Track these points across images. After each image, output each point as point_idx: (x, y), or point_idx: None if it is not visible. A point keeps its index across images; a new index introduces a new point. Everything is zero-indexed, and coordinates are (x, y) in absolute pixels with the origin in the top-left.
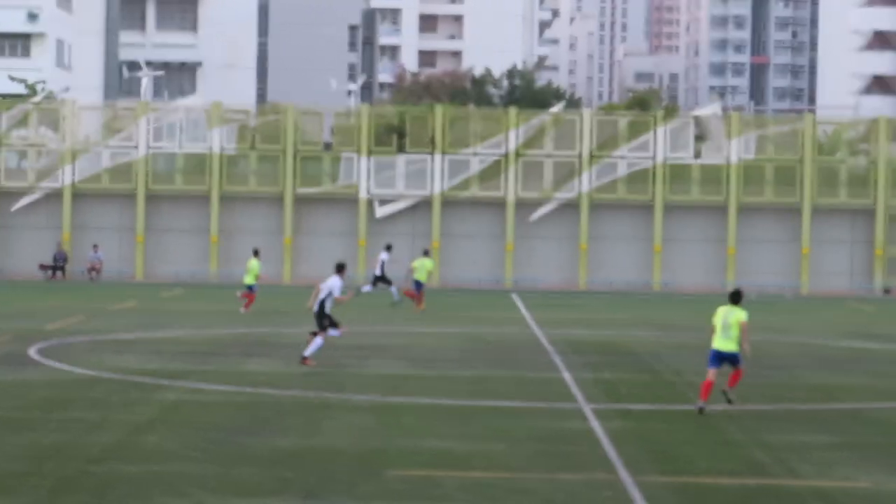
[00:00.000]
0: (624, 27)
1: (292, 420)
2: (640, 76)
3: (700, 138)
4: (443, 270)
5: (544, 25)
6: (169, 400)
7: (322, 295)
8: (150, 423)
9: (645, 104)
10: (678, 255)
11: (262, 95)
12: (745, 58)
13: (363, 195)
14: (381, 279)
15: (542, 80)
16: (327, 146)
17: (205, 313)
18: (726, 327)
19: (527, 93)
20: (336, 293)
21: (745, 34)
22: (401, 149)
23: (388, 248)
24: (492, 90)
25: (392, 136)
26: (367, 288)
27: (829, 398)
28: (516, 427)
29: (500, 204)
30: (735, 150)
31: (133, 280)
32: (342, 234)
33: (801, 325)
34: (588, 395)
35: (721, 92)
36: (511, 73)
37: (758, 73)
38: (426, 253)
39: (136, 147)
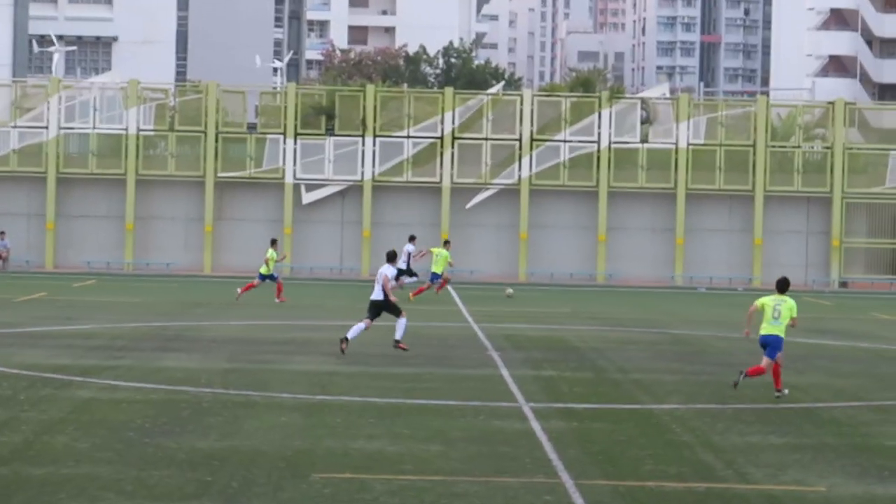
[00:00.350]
0: (567, 3)
1: (212, 420)
2: (583, 55)
3: (647, 121)
4: (374, 261)
5: (483, 1)
6: (80, 398)
7: (382, 285)
8: (61, 423)
9: (589, 85)
10: (623, 245)
11: (181, 73)
12: (694, 36)
13: (289, 180)
14: (406, 272)
15: (480, 58)
16: (251, 127)
17: (119, 305)
18: (777, 314)
19: (464, 72)
20: (390, 275)
21: (695, 11)
22: (329, 131)
23: (412, 238)
24: (427, 69)
25: (320, 118)
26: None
27: (782, 398)
28: (451, 427)
29: (434, 190)
30: (684, 134)
31: (42, 270)
32: (267, 221)
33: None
34: (528, 394)
35: (669, 73)
36: (447, 52)
37: (708, 52)
38: (447, 243)
39: (46, 127)
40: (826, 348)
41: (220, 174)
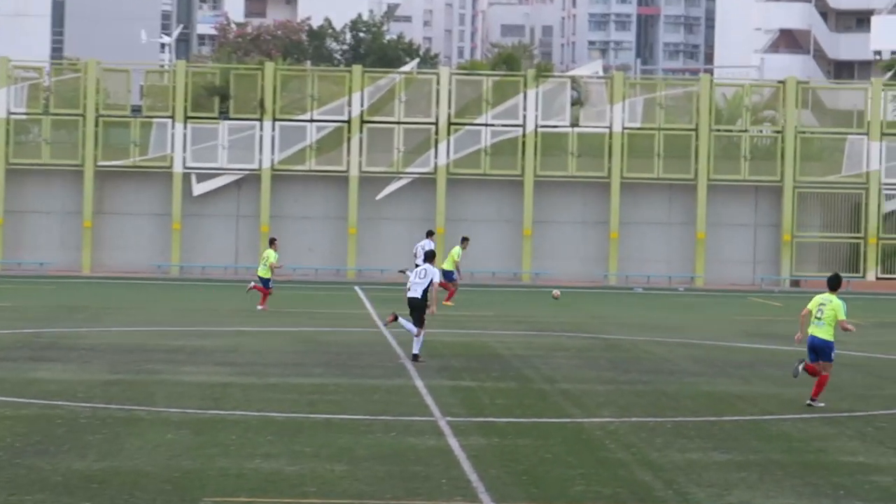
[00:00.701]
0: None
1: (91, 438)
2: (507, 29)
3: (578, 103)
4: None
5: None
6: None
7: (425, 283)
8: None
9: (513, 62)
10: (552, 240)
11: (57, 49)
12: (630, 8)
13: (178, 169)
14: None
15: (391, 33)
16: (136, 110)
17: None
18: (821, 314)
19: (374, 48)
20: (436, 280)
21: None
22: (224, 114)
23: (430, 234)
24: (332, 45)
25: (213, 100)
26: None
27: (725, 409)
28: (358, 445)
29: (341, 180)
30: (619, 117)
31: None
32: (153, 214)
33: (695, 324)
34: (444, 407)
35: (603, 48)
36: (355, 25)
37: (646, 26)
38: (464, 240)
39: None
40: (775, 354)
41: (100, 163)
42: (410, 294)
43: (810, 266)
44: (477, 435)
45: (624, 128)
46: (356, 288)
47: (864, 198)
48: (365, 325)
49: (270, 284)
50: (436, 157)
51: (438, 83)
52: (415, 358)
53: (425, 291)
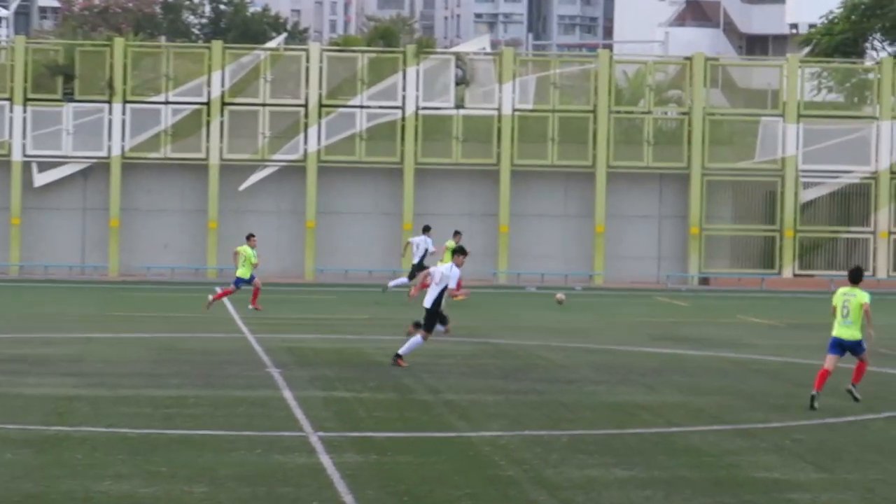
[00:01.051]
0: None
1: None
2: (385, 0)
3: (463, 82)
4: (124, 257)
5: None
6: None
7: (439, 285)
8: None
9: (391, 38)
10: (435, 234)
11: None
12: None
13: (17, 157)
14: (421, 267)
15: (255, 5)
16: None
17: None
18: (846, 312)
19: (236, 22)
20: (451, 284)
21: None
22: (68, 96)
23: (427, 229)
24: (190, 18)
25: (56, 79)
26: (401, 280)
27: (628, 421)
28: (220, 463)
29: (199, 168)
30: (508, 97)
31: None
32: None
33: (594, 327)
34: (316, 421)
35: (490, 22)
36: None
37: None
38: (456, 234)
39: None
40: (683, 359)
41: None
42: (424, 302)
43: (721, 262)
44: (352, 452)
45: (514, 110)
46: (218, 289)
47: (779, 186)
48: (228, 331)
49: (241, 285)
50: (305, 143)
51: (308, 61)
52: (397, 357)
53: (439, 297)
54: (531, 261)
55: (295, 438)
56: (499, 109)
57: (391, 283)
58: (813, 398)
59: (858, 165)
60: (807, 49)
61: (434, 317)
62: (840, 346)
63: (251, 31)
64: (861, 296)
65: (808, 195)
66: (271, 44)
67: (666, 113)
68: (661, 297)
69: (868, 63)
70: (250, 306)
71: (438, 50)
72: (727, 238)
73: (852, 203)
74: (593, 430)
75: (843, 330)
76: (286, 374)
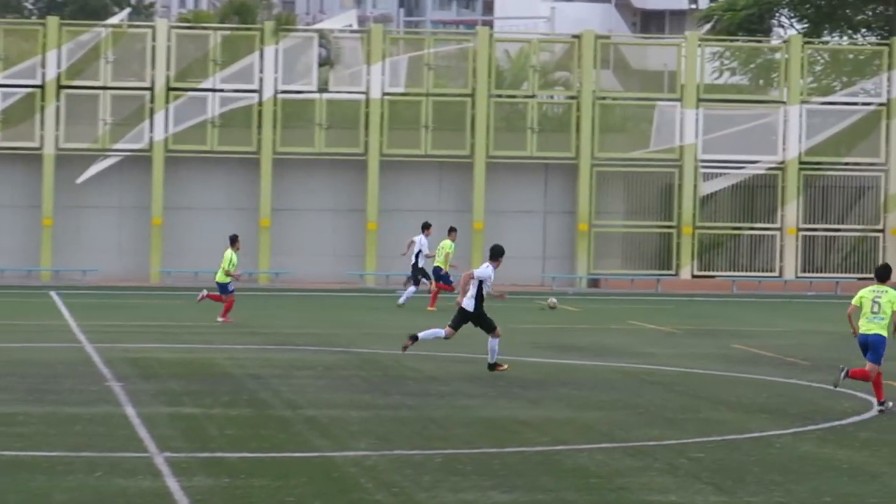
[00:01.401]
0: None
1: None
2: None
3: (327, 63)
4: None
5: None
6: None
7: (473, 289)
8: None
9: (247, 14)
10: (295, 231)
11: None
12: None
13: None
14: (421, 272)
15: None
16: None
17: None
18: (877, 308)
19: None
20: (487, 286)
21: None
22: None
23: (427, 227)
24: None
25: None
26: (410, 291)
27: (508, 438)
28: (55, 488)
29: (33, 158)
30: (377, 80)
31: None
32: None
33: (470, 334)
34: (162, 440)
35: None
36: None
37: None
38: (451, 231)
39: None
40: (569, 370)
41: None
42: (463, 304)
43: (612, 262)
44: (202, 474)
45: (384, 94)
46: (52, 293)
47: (676, 178)
48: (63, 340)
49: (231, 290)
50: (151, 130)
51: (154, 39)
52: (492, 367)
53: (479, 300)
54: (400, 260)
55: (138, 460)
56: (367, 93)
57: (402, 299)
58: (882, 408)
59: (764, 155)
60: (707, 26)
61: (481, 316)
62: (865, 345)
63: (91, 5)
64: (891, 293)
65: (708, 188)
66: (113, 20)
67: (552, 97)
68: (546, 301)
69: (775, 42)
70: (220, 319)
71: (300, 27)
72: (619, 235)
73: (757, 196)
74: (469, 448)
75: (870, 325)
76: (128, 387)
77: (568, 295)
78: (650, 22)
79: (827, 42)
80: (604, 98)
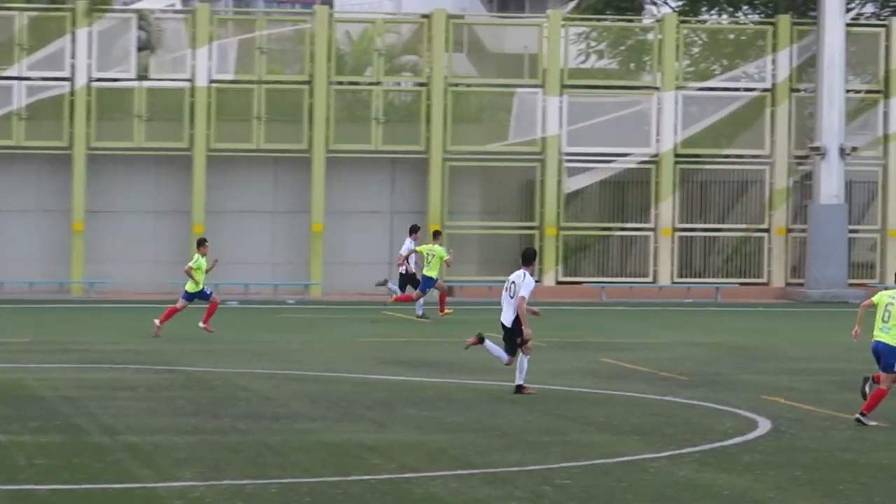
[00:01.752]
0: None
1: None
2: None
3: (147, 47)
4: None
5: None
6: None
7: (514, 297)
8: None
9: None
10: (113, 236)
11: None
12: None
13: None
14: (409, 279)
15: None
16: None
17: None
18: (887, 317)
19: None
20: (523, 292)
21: None
22: None
23: (415, 230)
24: None
25: None
26: (420, 302)
27: (353, 465)
28: None
29: None
30: (204, 65)
31: None
32: None
33: (310, 349)
34: None
35: None
36: None
37: None
38: (436, 234)
39: None
40: (419, 388)
41: None
42: (501, 318)
43: (467, 266)
44: None
45: (211, 81)
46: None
47: (538, 173)
48: None
49: (210, 294)
50: None
51: None
52: (519, 389)
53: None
54: (234, 268)
55: None
56: (192, 81)
57: (419, 311)
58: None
59: (636, 147)
60: (572, 4)
61: (515, 335)
62: (875, 354)
63: None
64: None
65: (573, 184)
66: None
67: (399, 84)
68: (393, 312)
69: (647, 21)
70: (202, 324)
71: (116, 7)
72: (475, 238)
73: (628, 193)
74: (309, 477)
75: (880, 334)
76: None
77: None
78: (508, 0)
79: (705, 21)
80: (457, 85)
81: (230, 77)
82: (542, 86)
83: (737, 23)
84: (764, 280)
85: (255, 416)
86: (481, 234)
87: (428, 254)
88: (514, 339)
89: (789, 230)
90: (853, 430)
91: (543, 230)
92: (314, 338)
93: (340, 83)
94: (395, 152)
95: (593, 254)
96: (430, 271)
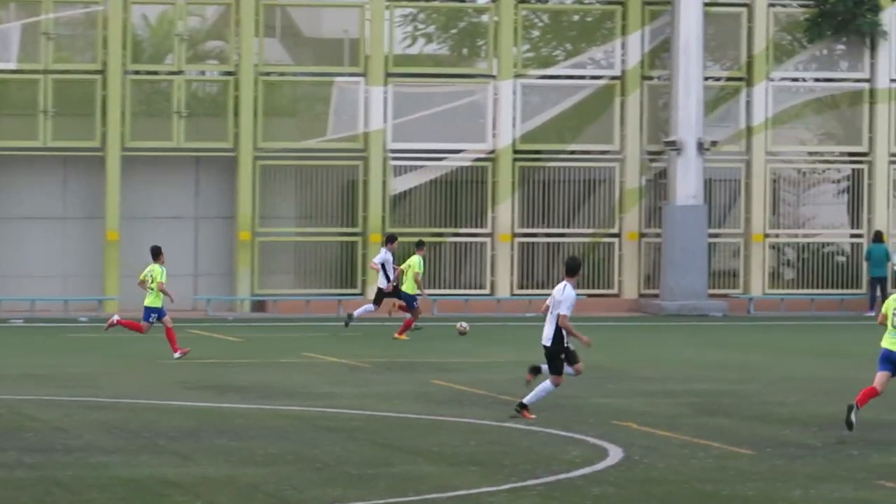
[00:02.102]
0: None
1: None
2: None
3: None
4: None
5: None
6: None
7: (553, 315)
8: None
9: None
10: None
11: None
12: None
13: None
14: (394, 293)
15: None
16: None
17: None
18: (895, 323)
19: None
20: (564, 309)
21: None
22: None
23: (391, 240)
24: None
25: None
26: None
27: (154, 502)
28: None
29: None
30: None
31: None
32: None
33: (104, 372)
34: None
35: None
36: None
37: None
38: (419, 245)
39: None
40: (229, 416)
41: None
42: (542, 340)
43: (283, 279)
44: None
45: None
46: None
47: (361, 173)
48: None
49: (164, 314)
50: None
51: None
52: (522, 408)
53: (559, 330)
54: (15, 282)
55: None
56: None
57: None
58: (850, 410)
59: (470, 143)
60: None
61: (558, 355)
62: (890, 362)
63: None
64: None
65: (400, 184)
66: None
67: (204, 73)
68: (199, 330)
69: (481, 1)
70: (176, 354)
71: None
72: (291, 246)
73: (462, 195)
74: None
75: (892, 340)
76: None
77: (228, 321)
78: None
79: (546, 1)
80: (269, 74)
81: (13, 66)
82: (364, 74)
83: (582, 3)
84: (614, 291)
85: (43, 448)
86: (297, 242)
87: (407, 267)
88: (557, 358)
89: (642, 235)
90: (713, 459)
91: (367, 236)
92: (110, 360)
93: (137, 72)
94: (199, 150)
95: (426, 263)
96: (408, 287)
